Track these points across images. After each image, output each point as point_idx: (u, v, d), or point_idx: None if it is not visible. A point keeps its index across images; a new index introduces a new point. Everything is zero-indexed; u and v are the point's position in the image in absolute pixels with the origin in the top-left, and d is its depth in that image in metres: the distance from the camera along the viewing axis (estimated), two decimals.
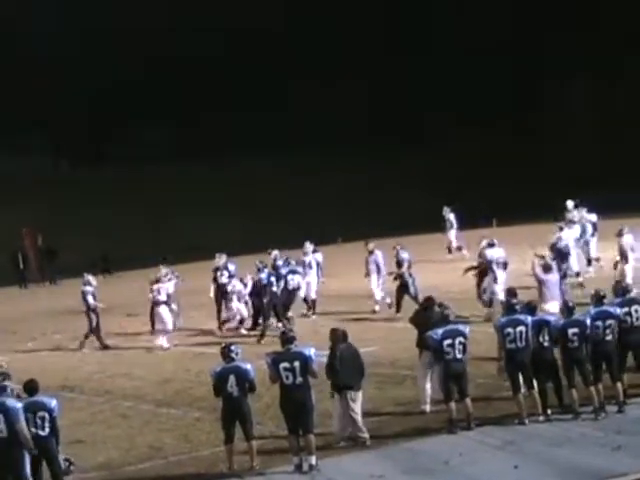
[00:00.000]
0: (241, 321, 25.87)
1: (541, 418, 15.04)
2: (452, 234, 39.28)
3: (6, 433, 12.70)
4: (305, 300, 27.35)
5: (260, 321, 24.94)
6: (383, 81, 71.16)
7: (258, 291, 24.91)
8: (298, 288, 25.97)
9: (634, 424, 14.59)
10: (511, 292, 16.27)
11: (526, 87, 69.29)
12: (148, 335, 26.23)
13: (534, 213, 45.25)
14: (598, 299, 15.63)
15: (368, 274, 27.09)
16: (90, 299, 25.42)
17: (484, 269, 24.60)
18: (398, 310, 25.39)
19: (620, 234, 26.37)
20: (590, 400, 15.04)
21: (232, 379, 13.83)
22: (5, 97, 64.19)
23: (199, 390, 18.71)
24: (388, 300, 26.44)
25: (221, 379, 13.91)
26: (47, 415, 13.14)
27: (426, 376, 16.08)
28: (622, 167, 58.71)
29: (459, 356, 15.04)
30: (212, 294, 26.55)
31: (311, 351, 14.02)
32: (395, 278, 26.02)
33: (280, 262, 25.71)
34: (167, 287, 25.24)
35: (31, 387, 13.36)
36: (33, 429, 12.91)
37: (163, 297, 24.88)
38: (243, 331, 25.39)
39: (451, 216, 39.64)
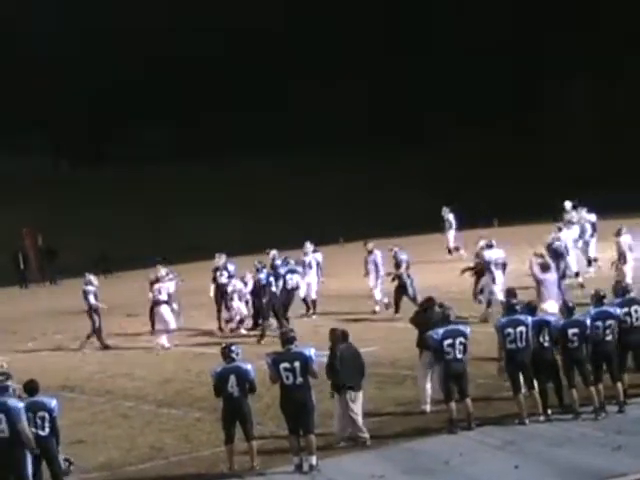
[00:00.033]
0: (241, 321, 25.87)
1: (541, 418, 15.04)
2: (450, 234, 39.33)
3: (8, 433, 12.68)
4: (304, 300, 27.35)
5: (260, 321, 24.95)
6: (383, 81, 71.17)
7: (257, 291, 24.93)
8: (297, 287, 25.99)
9: (634, 424, 14.59)
10: (511, 292, 16.27)
11: (526, 87, 69.30)
12: (148, 335, 26.27)
13: (534, 213, 45.26)
14: (598, 299, 15.63)
15: (367, 274, 27.11)
16: (92, 299, 25.40)
17: (481, 269, 24.63)
18: (397, 311, 25.45)
19: (618, 234, 26.40)
20: (590, 400, 15.05)
21: (233, 379, 13.83)
22: (5, 97, 64.20)
23: (200, 390, 18.72)
24: (386, 300, 26.49)
25: (221, 379, 13.92)
26: (47, 415, 13.15)
27: (426, 376, 16.09)
28: (622, 167, 58.74)
29: (459, 356, 15.04)
30: (212, 294, 26.57)
31: (311, 351, 14.02)
32: (393, 279, 26.05)
33: (279, 262, 25.71)
34: (168, 286, 25.25)
35: (31, 387, 13.37)
36: (33, 429, 12.90)
37: (164, 297, 24.87)
38: (243, 331, 25.40)
39: (450, 216, 39.68)
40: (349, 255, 36.09)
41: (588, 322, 15.22)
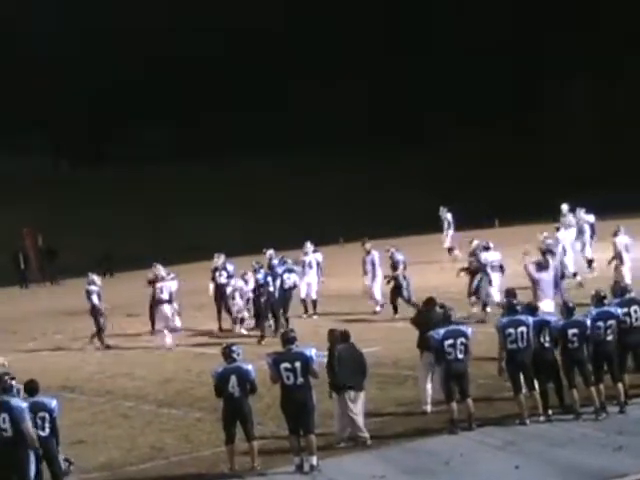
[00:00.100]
0: (241, 320, 25.85)
1: (542, 418, 15.04)
2: (448, 234, 39.38)
3: (11, 433, 12.67)
4: (303, 301, 27.35)
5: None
6: (383, 81, 71.20)
7: (257, 290, 24.90)
8: (294, 287, 25.96)
9: (635, 424, 14.59)
10: (511, 292, 16.24)
11: (526, 87, 69.33)
12: (148, 335, 26.28)
13: (534, 213, 45.29)
14: (599, 300, 15.62)
15: (366, 274, 27.12)
16: (95, 299, 25.35)
17: (475, 269, 24.66)
18: (395, 311, 25.51)
19: (615, 234, 26.43)
20: (591, 400, 15.04)
21: (233, 379, 13.83)
22: (5, 97, 64.23)
23: (200, 390, 18.72)
24: (381, 299, 26.56)
25: (222, 379, 13.91)
26: (47, 415, 13.15)
27: (427, 377, 16.08)
28: (622, 167, 58.78)
29: (460, 356, 15.04)
30: (211, 293, 26.56)
31: (312, 351, 14.02)
32: (388, 281, 26.10)
33: (276, 261, 25.64)
34: (170, 286, 25.19)
35: (31, 387, 13.37)
36: (33, 429, 12.91)
37: (165, 296, 24.84)
38: (243, 331, 25.37)
39: (448, 216, 39.71)
40: (349, 255, 36.07)
41: (588, 322, 15.22)
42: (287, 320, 24.76)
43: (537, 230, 27.39)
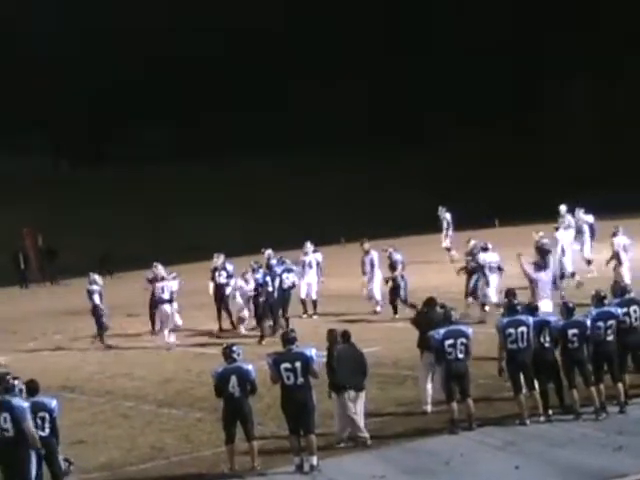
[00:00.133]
0: (241, 320, 25.84)
1: (542, 419, 15.05)
2: (447, 234, 39.39)
3: (13, 432, 12.66)
4: (303, 301, 27.34)
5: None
6: (383, 81, 71.17)
7: (256, 291, 24.90)
8: (293, 286, 25.95)
9: (635, 424, 14.60)
10: (511, 292, 16.24)
11: (526, 87, 69.30)
12: (148, 335, 26.28)
13: (534, 213, 45.27)
14: (599, 300, 15.63)
15: (365, 274, 27.13)
16: (96, 299, 25.31)
17: (472, 269, 24.67)
18: (395, 312, 25.54)
19: (614, 235, 26.45)
20: (591, 401, 15.05)
21: (234, 380, 13.83)
22: (5, 97, 64.22)
23: (200, 390, 18.72)
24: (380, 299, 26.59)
25: (222, 380, 13.92)
26: (47, 415, 13.17)
27: (427, 377, 16.08)
28: (622, 167, 58.75)
29: (461, 356, 15.04)
30: (211, 292, 26.56)
31: (312, 352, 14.03)
32: (387, 282, 26.13)
33: (274, 261, 25.62)
34: (171, 285, 25.16)
35: (31, 387, 13.37)
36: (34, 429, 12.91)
37: (167, 295, 24.82)
38: (243, 331, 25.37)
39: (447, 215, 39.72)
40: (349, 255, 36.05)
41: (588, 322, 15.22)
42: (287, 320, 24.76)
43: (537, 230, 27.36)
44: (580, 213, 30.68)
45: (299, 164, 64.61)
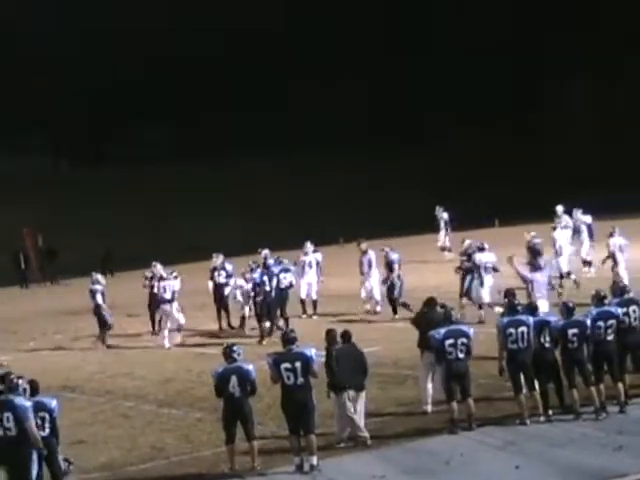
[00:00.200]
0: (242, 318, 25.83)
1: (542, 418, 15.04)
2: (442, 234, 39.45)
3: (15, 432, 12.64)
4: (302, 301, 27.34)
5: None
6: (383, 81, 71.23)
7: (254, 291, 24.90)
8: (291, 286, 25.95)
9: (635, 424, 14.59)
10: (510, 292, 16.23)
11: (526, 87, 69.36)
12: (149, 335, 26.28)
13: (534, 213, 45.30)
14: (599, 299, 15.62)
15: (362, 274, 27.14)
16: (99, 298, 25.30)
17: (467, 269, 24.68)
18: (395, 312, 25.54)
19: (611, 235, 26.46)
20: (591, 400, 15.05)
21: (234, 380, 13.83)
22: (5, 97, 64.26)
23: (200, 390, 18.72)
24: (364, 297, 26.67)
25: (223, 380, 13.92)
26: (47, 415, 13.17)
27: (428, 376, 16.08)
28: (622, 167, 58.81)
29: (461, 356, 15.04)
30: (211, 290, 26.58)
31: (312, 351, 14.03)
32: (384, 282, 26.16)
33: (271, 261, 25.58)
34: (173, 285, 25.16)
35: (32, 387, 13.38)
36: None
37: (168, 295, 24.81)
38: (247, 331, 25.31)
39: (444, 215, 39.76)
40: (349, 255, 36.07)
41: (588, 322, 15.22)
42: (287, 320, 24.75)
43: (537, 230, 27.36)
44: (578, 213, 30.66)
45: (299, 164, 64.65)
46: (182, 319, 25.10)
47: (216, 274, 26.51)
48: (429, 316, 16.29)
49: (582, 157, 62.97)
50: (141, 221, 58.36)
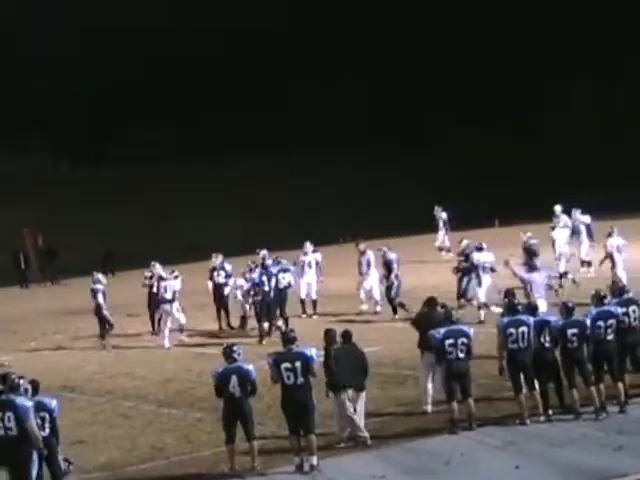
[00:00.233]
0: (243, 318, 25.83)
1: (542, 418, 15.04)
2: (441, 234, 39.47)
3: (16, 432, 12.62)
4: (302, 301, 27.35)
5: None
6: (383, 81, 71.23)
7: (253, 291, 24.90)
8: (289, 286, 25.95)
9: (636, 424, 14.59)
10: (510, 292, 16.25)
11: (526, 87, 69.36)
12: (149, 335, 26.28)
13: (534, 213, 45.31)
14: (599, 299, 15.63)
15: (361, 274, 27.14)
16: (100, 298, 25.29)
17: (465, 269, 24.69)
18: (395, 312, 25.55)
19: (609, 235, 26.47)
20: (591, 400, 15.05)
21: (234, 380, 13.83)
22: (5, 97, 64.25)
23: (200, 390, 18.72)
24: (363, 297, 26.67)
25: (223, 380, 13.92)
26: (48, 415, 13.17)
27: (428, 376, 16.07)
28: (622, 167, 58.81)
29: (461, 356, 15.03)
30: (210, 290, 26.59)
31: (312, 351, 14.04)
32: (382, 281, 26.18)
33: (269, 261, 25.58)
34: (173, 285, 25.15)
35: (32, 387, 13.37)
36: None
37: (169, 295, 24.81)
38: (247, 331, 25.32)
39: (443, 215, 39.78)
40: (349, 255, 36.07)
41: (588, 322, 15.22)
42: (286, 320, 24.75)
43: (537, 230, 27.41)
44: (577, 214, 30.66)
45: (299, 164, 64.65)
46: (183, 319, 25.10)
47: (215, 274, 26.51)
48: (429, 316, 16.29)
49: (582, 157, 62.98)
50: (141, 221, 58.37)
